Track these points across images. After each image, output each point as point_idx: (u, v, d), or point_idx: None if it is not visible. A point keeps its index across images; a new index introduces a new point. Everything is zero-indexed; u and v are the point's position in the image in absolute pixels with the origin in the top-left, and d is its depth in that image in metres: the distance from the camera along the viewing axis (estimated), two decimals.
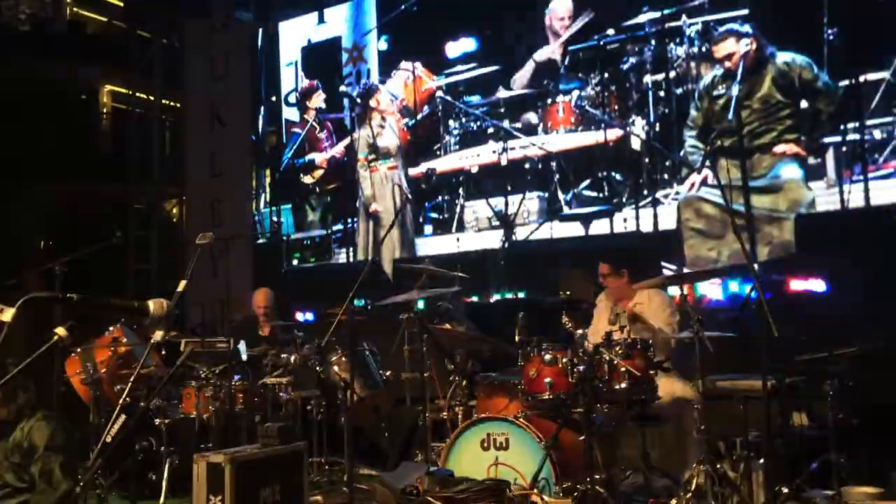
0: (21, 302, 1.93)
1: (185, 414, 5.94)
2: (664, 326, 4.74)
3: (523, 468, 4.11)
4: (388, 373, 6.38)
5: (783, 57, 6.13)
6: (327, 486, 5.66)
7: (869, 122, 5.79)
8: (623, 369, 4.20)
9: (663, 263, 6.10)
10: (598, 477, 4.04)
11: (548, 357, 4.41)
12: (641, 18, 6.82)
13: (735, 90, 6.26)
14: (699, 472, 4.05)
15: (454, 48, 7.88)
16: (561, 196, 7.14)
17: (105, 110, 11.98)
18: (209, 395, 5.87)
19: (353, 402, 5.42)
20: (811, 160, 6.01)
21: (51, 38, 10.96)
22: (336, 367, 6.09)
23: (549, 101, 7.32)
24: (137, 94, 10.11)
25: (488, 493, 2.95)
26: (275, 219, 9.02)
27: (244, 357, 6.15)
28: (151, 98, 10.01)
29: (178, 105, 10.05)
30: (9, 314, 1.91)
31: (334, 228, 8.62)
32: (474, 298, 6.99)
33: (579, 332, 4.45)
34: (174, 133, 10.06)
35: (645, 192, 6.74)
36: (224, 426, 5.77)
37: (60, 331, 2.04)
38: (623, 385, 4.22)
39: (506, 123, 7.53)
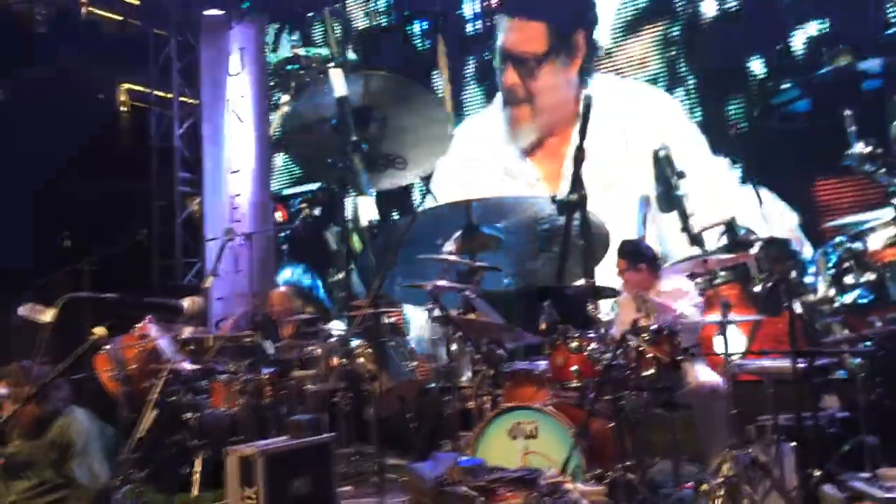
0: (60, 302, 1.95)
1: (213, 408, 6.01)
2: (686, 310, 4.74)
3: (553, 456, 4.12)
4: (413, 363, 6.41)
5: None
6: (357, 477, 5.71)
7: None
8: (650, 356, 4.20)
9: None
10: (627, 464, 4.04)
11: (574, 345, 4.42)
12: None
13: None
14: (729, 458, 4.04)
15: None
16: None
17: (124, 108, 12.05)
18: (237, 389, 5.94)
19: (379, 394, 5.46)
20: None
21: (66, 37, 11.03)
22: (361, 360, 6.14)
23: None
24: (155, 92, 10.16)
25: (521, 481, 2.96)
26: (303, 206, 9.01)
27: (270, 351, 6.22)
28: (169, 95, 10.06)
29: (196, 102, 10.08)
30: (49, 314, 1.94)
31: None
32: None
33: (606, 319, 4.45)
34: (193, 130, 10.09)
35: None
36: (253, 419, 5.83)
37: (99, 330, 2.07)
38: (651, 372, 4.22)
39: None
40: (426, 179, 7.66)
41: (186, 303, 2.41)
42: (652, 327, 4.27)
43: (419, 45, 8.22)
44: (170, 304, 2.36)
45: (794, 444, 4.09)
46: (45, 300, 2.26)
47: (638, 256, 5.00)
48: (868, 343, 4.33)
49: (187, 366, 6.15)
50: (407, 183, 7.90)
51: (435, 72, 8.04)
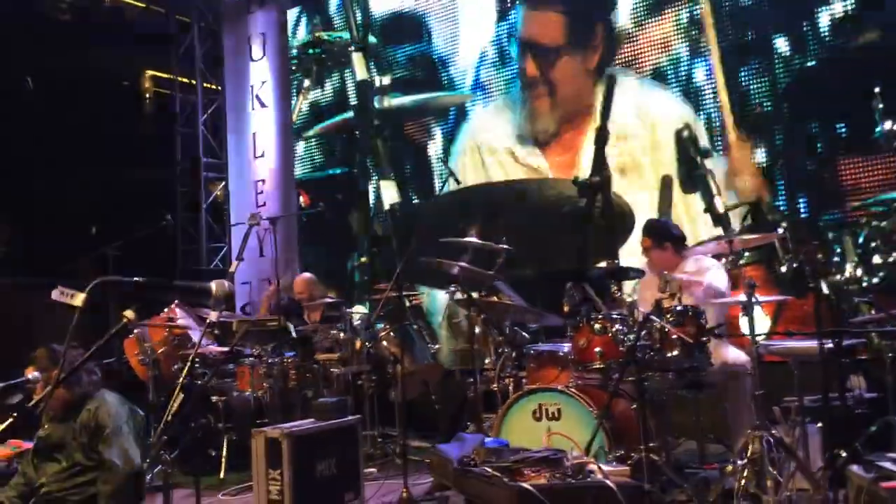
0: (91, 286, 1.98)
1: (240, 391, 6.08)
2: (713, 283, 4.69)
3: (576, 438, 4.13)
4: (436, 346, 6.44)
5: None
6: (381, 459, 5.76)
7: None
8: (675, 337, 4.18)
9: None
10: (651, 444, 4.04)
11: (598, 326, 4.41)
12: None
13: None
14: (754, 438, 4.02)
15: None
16: None
17: (147, 95, 12.14)
18: (262, 372, 6.01)
19: (403, 377, 5.50)
20: None
21: (91, 26, 11.10)
22: (384, 343, 6.18)
23: None
24: (179, 79, 10.22)
25: (545, 461, 2.97)
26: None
27: (294, 334, 6.28)
28: (193, 82, 10.12)
29: (219, 88, 10.13)
30: (80, 299, 1.97)
31: None
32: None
33: (629, 300, 4.44)
34: (217, 116, 10.15)
35: None
36: (278, 402, 5.90)
37: (129, 313, 2.10)
38: (675, 353, 4.20)
39: None
40: (445, 160, 7.65)
41: (214, 286, 2.43)
42: (676, 308, 4.25)
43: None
44: (198, 288, 2.39)
45: (819, 424, 4.06)
46: (72, 286, 2.30)
47: (663, 235, 4.94)
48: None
49: (214, 349, 6.24)
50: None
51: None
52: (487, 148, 7.59)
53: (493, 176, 7.36)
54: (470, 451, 3.29)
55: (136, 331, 5.93)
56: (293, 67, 9.26)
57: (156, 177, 10.44)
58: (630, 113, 6.71)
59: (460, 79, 7.95)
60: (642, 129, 6.69)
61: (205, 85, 10.10)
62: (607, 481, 2.75)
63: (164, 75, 11.19)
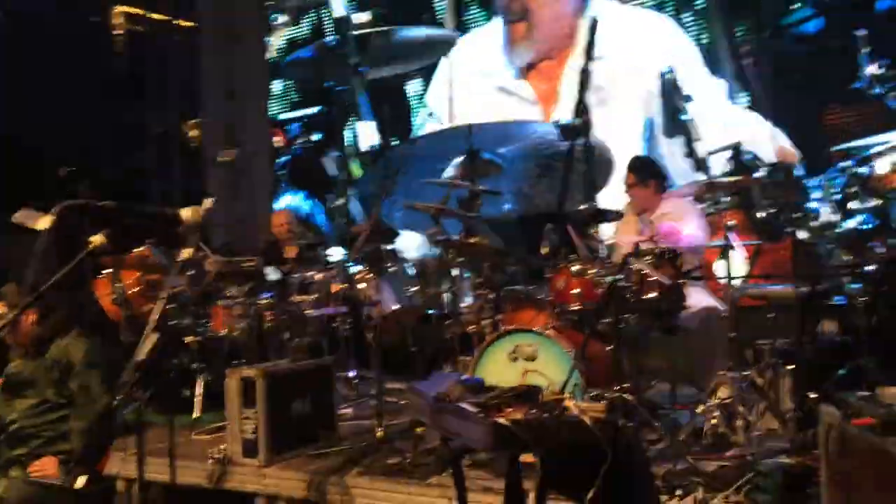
0: (57, 209, 1.91)
1: (214, 332, 6.03)
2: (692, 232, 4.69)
3: (553, 378, 4.13)
4: (413, 289, 6.40)
5: None
6: (357, 400, 5.77)
7: None
8: (652, 279, 4.18)
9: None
10: (625, 385, 4.06)
11: (575, 268, 4.40)
12: None
13: None
14: (726, 380, 4.06)
15: None
16: None
17: (119, 32, 11.80)
18: (238, 313, 5.95)
19: (379, 319, 5.47)
20: None
21: None
22: (361, 285, 6.13)
23: None
24: (151, 15, 9.93)
25: (521, 398, 2.97)
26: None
27: (273, 276, 6.21)
28: (166, 19, 9.83)
29: (193, 24, 9.85)
30: (46, 221, 1.90)
31: None
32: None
33: (608, 242, 4.43)
34: (191, 54, 9.88)
35: None
36: (254, 343, 5.86)
37: (97, 238, 2.02)
38: (652, 295, 4.20)
39: None
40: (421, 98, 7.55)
41: (186, 212, 2.36)
42: (654, 250, 4.24)
43: None
44: (169, 214, 2.32)
45: (790, 367, 4.10)
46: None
47: (647, 172, 4.94)
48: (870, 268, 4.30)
49: (187, 289, 6.16)
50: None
51: None
52: (468, 78, 7.48)
53: (474, 106, 7.27)
54: (446, 389, 3.28)
55: (107, 270, 5.84)
56: (268, 3, 9.01)
57: (129, 116, 10.21)
58: (613, 45, 6.63)
59: (442, 14, 7.77)
60: (626, 62, 6.62)
61: (178, 22, 9.81)
62: (583, 417, 2.74)
63: (136, 11, 10.87)
